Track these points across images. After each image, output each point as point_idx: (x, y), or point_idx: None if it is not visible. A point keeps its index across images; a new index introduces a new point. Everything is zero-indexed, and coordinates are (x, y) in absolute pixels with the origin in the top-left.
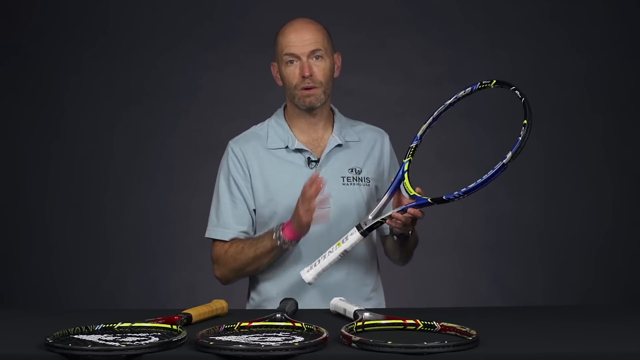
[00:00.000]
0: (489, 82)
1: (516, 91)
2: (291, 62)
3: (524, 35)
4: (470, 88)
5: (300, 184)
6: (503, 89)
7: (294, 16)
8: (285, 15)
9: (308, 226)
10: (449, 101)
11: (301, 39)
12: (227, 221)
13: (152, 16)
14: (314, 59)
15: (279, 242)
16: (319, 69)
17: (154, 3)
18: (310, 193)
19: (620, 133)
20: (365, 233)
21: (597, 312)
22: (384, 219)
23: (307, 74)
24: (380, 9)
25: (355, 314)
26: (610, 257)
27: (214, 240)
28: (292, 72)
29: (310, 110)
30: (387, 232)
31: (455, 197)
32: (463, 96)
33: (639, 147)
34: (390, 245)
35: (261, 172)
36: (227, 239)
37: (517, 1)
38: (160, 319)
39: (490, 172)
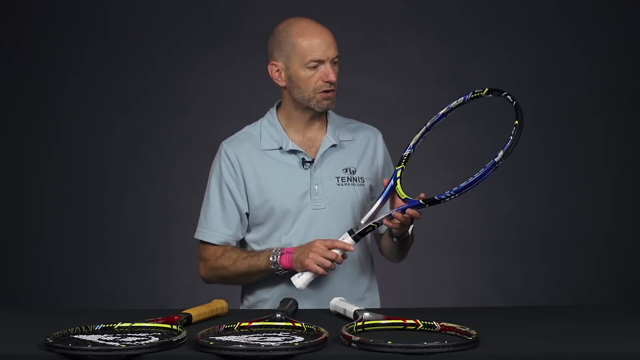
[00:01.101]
0: (481, 91)
1: (508, 96)
2: (315, 66)
3: (524, 36)
4: (463, 98)
5: (295, 184)
6: (496, 96)
7: (294, 16)
8: (285, 15)
9: (305, 269)
10: (442, 111)
11: (326, 44)
12: (216, 224)
13: (152, 16)
14: (332, 63)
15: (273, 266)
16: (336, 73)
17: (154, 3)
18: (333, 257)
19: (620, 133)
20: (357, 238)
21: (597, 312)
22: (376, 223)
23: (333, 79)
24: (380, 9)
25: (355, 314)
26: (610, 257)
27: (202, 241)
28: (314, 76)
29: (320, 113)
30: (382, 231)
31: (447, 197)
32: (456, 106)
33: (639, 147)
34: (387, 245)
35: (255, 174)
36: (215, 242)
37: (517, 1)
38: (160, 319)
39: (482, 171)
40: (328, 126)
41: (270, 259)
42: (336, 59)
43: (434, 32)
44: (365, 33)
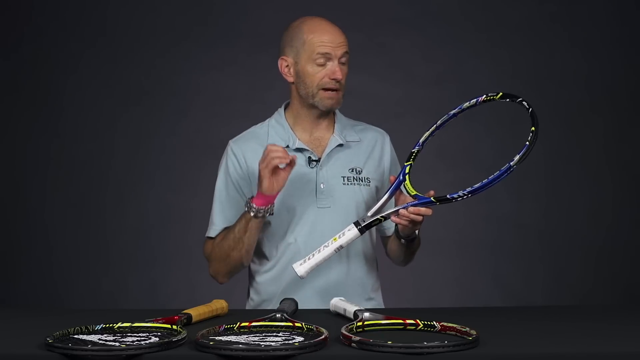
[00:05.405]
0: (494, 94)
1: (523, 102)
2: (322, 62)
3: (524, 35)
4: (475, 100)
5: (301, 182)
6: (510, 101)
7: (295, 16)
8: (286, 15)
9: (271, 186)
10: (453, 111)
11: (336, 41)
12: (218, 219)
13: (151, 16)
14: (340, 63)
15: (252, 212)
16: (344, 73)
17: (153, 3)
18: (263, 165)
19: (620, 133)
20: (362, 230)
21: (597, 312)
22: (383, 217)
23: (340, 77)
24: (380, 9)
25: (355, 314)
26: (610, 257)
27: (207, 239)
28: (320, 72)
29: (326, 112)
30: (389, 233)
31: (460, 197)
32: (467, 107)
33: (639, 147)
34: (394, 247)
35: None
36: (213, 236)
37: (517, 1)
38: (160, 319)
39: (497, 174)
40: (335, 126)
41: (246, 208)
42: (344, 60)
43: (434, 32)
44: (366, 33)
